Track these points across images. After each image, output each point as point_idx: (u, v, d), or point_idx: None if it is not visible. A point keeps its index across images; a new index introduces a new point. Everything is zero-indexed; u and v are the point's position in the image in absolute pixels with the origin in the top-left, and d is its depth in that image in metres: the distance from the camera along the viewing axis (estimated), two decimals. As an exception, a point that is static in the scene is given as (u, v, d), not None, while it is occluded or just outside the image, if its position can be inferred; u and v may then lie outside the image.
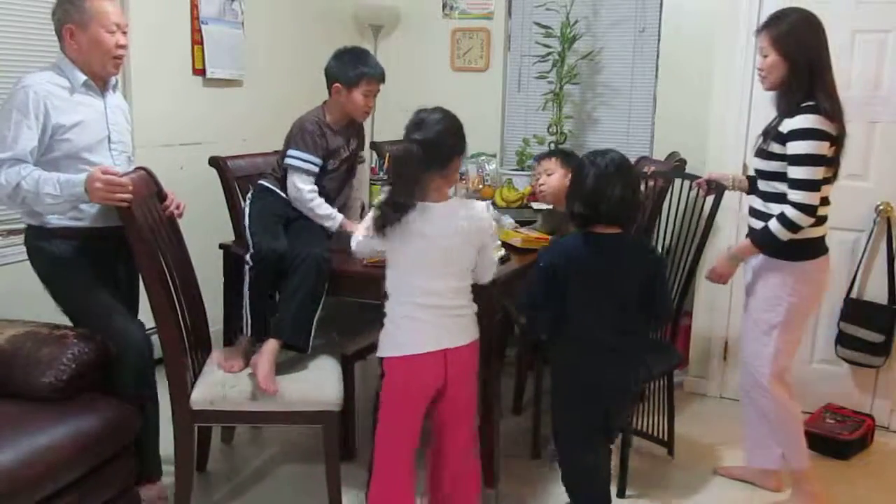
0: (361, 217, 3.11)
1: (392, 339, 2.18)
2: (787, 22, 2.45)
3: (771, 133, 2.49)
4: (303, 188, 2.68)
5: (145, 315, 2.45)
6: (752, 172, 2.71)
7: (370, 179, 3.13)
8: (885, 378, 3.35)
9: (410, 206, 2.09)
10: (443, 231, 2.12)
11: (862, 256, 3.32)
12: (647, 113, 4.06)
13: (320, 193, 2.72)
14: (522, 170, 4.09)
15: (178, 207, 2.55)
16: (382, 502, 2.22)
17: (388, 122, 4.07)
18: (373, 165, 3.16)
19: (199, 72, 3.59)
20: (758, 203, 2.61)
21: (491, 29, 4.40)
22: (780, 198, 2.45)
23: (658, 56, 3.99)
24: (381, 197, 2.17)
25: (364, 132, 2.98)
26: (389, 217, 2.10)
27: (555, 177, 2.98)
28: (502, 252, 2.59)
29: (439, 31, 4.50)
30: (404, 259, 2.16)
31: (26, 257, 2.47)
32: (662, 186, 3.13)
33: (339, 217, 2.73)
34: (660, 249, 3.03)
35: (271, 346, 2.45)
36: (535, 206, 3.16)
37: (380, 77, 2.74)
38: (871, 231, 3.29)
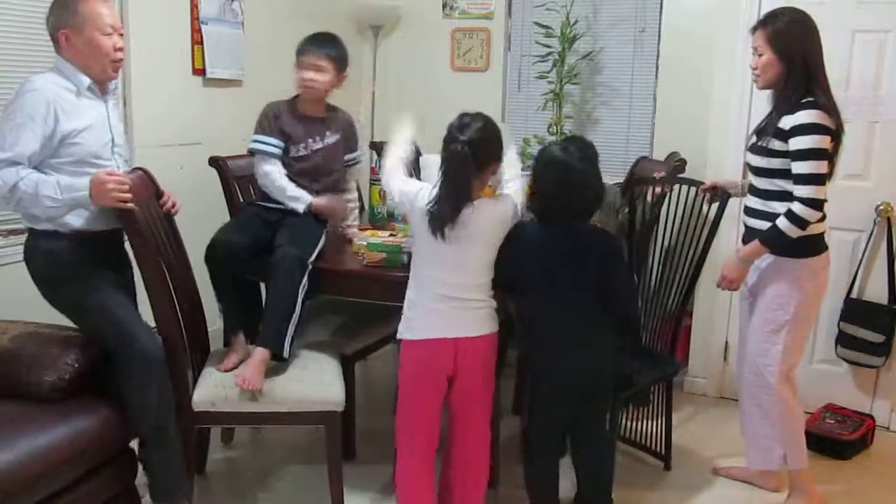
0: (361, 217, 3.11)
1: (408, 323, 2.28)
2: (782, 21, 2.47)
3: (769, 130, 2.49)
4: (269, 170, 2.70)
5: (145, 316, 2.44)
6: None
7: (370, 180, 3.12)
8: (885, 378, 3.35)
9: (467, 204, 2.15)
10: (468, 231, 2.17)
11: (862, 256, 3.32)
12: (647, 113, 4.05)
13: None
14: (522, 170, 4.07)
15: (173, 206, 2.55)
16: (404, 485, 2.32)
17: (388, 122, 4.06)
18: (373, 165, 3.15)
19: (199, 72, 3.59)
20: (755, 202, 2.60)
21: (491, 29, 4.39)
22: (784, 195, 2.46)
23: (658, 56, 3.98)
24: (431, 196, 2.18)
25: (355, 131, 2.96)
26: (448, 216, 2.14)
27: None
28: None
29: (439, 31, 4.49)
30: (427, 253, 2.23)
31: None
32: (663, 191, 3.11)
33: (309, 198, 2.69)
34: (659, 250, 3.02)
35: (258, 354, 2.42)
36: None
37: (317, 51, 2.70)
38: (872, 231, 3.30)
